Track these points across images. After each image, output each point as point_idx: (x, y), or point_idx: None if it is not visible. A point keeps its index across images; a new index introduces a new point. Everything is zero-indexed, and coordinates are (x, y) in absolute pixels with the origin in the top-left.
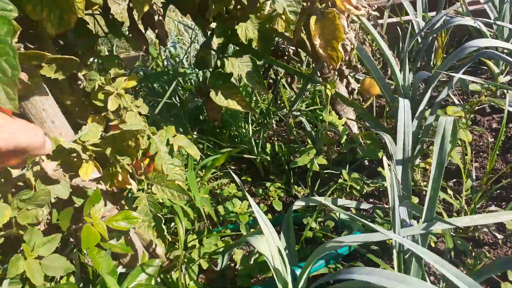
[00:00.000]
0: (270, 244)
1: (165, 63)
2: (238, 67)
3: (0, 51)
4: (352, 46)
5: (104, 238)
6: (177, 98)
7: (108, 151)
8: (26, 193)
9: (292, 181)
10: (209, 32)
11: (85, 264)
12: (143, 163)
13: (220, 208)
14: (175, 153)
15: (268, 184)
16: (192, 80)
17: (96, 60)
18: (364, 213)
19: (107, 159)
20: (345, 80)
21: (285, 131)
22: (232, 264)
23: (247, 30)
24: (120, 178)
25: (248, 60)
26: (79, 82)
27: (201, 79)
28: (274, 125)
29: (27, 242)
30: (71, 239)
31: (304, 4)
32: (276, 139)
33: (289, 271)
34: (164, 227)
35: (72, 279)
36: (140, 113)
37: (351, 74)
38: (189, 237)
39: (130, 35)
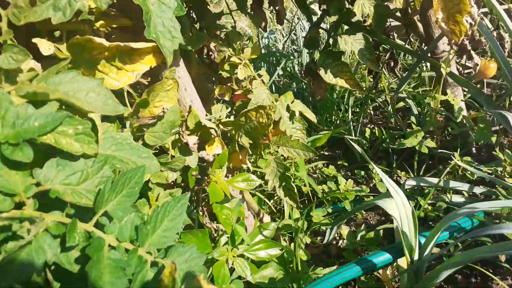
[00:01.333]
0: (399, 207)
1: (263, 51)
2: (351, 44)
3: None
4: (473, 21)
5: (227, 196)
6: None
7: (233, 131)
8: (164, 157)
9: (394, 165)
10: (314, 17)
11: (203, 224)
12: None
13: (324, 187)
14: (296, 117)
15: (371, 166)
16: (289, 68)
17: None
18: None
19: (231, 137)
20: (464, 56)
21: (381, 118)
22: (334, 242)
23: (363, 6)
24: (240, 157)
25: (361, 37)
26: (210, 53)
27: (304, 62)
28: (371, 112)
29: (152, 192)
30: (188, 203)
31: None
32: (372, 126)
33: (417, 236)
34: (293, 185)
35: None
36: (263, 81)
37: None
38: (294, 210)
39: (252, 12)
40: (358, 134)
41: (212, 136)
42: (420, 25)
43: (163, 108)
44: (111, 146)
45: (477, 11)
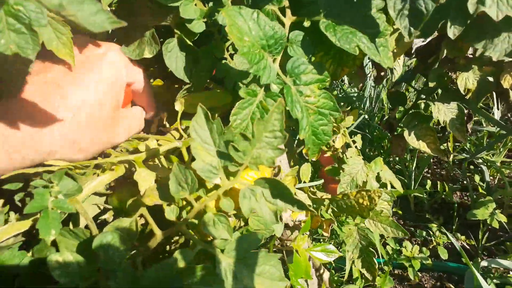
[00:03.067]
0: None
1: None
2: (444, 114)
3: (322, 124)
4: None
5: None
6: None
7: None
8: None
9: (454, 227)
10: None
11: None
12: None
13: (388, 248)
14: (386, 190)
15: (434, 228)
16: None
17: None
18: None
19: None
20: None
21: (436, 163)
22: None
23: (467, 80)
24: (324, 226)
25: (455, 107)
26: None
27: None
28: (431, 161)
29: None
30: None
31: None
32: (429, 172)
33: None
34: (375, 261)
35: None
36: (357, 148)
37: None
38: (354, 269)
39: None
40: (417, 184)
41: None
42: None
43: None
44: None
45: None
